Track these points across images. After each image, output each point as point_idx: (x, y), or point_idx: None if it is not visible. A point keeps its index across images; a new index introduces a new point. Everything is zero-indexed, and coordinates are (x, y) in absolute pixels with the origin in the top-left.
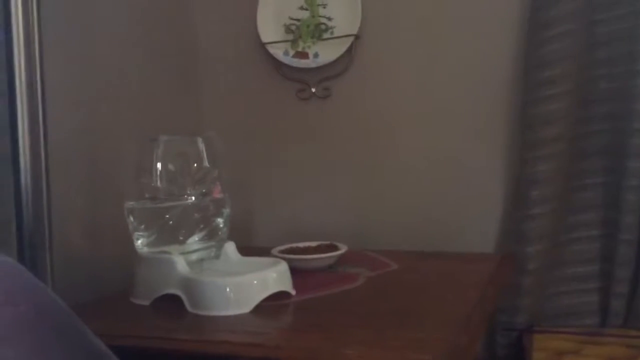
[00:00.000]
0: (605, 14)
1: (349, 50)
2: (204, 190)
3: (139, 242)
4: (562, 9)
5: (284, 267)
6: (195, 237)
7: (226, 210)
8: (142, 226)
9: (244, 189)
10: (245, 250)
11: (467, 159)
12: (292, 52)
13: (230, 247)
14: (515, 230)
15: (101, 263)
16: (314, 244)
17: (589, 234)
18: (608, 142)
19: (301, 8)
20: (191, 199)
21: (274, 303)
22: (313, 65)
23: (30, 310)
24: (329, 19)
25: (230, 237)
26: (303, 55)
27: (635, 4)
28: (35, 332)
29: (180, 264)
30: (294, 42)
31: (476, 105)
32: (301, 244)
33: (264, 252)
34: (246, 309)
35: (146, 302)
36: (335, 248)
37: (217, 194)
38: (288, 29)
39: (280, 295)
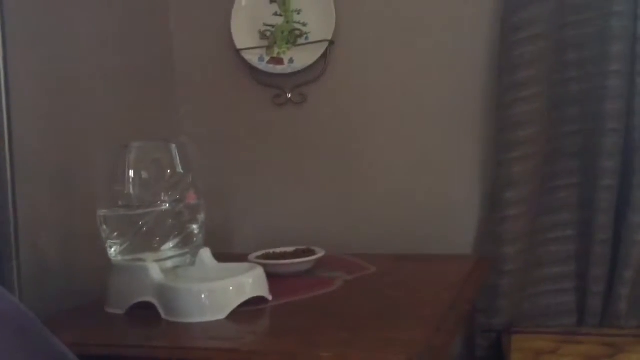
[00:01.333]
0: (575, 16)
1: (324, 55)
2: (177, 197)
3: (113, 250)
4: (533, 11)
5: (259, 272)
6: (170, 244)
7: (201, 217)
8: (115, 234)
9: (220, 196)
10: (222, 257)
11: (443, 162)
12: (267, 58)
13: (205, 254)
14: (491, 231)
15: (74, 272)
16: (290, 249)
17: (564, 234)
18: (581, 142)
19: (275, 14)
20: (165, 205)
21: (250, 308)
22: (288, 70)
23: None
24: (304, 24)
25: (207, 244)
26: (278, 61)
27: (604, 8)
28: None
29: (154, 271)
30: (269, 48)
31: (451, 108)
32: (278, 250)
33: (241, 258)
34: (222, 315)
35: (121, 311)
36: (312, 253)
37: (192, 199)
38: (263, 35)
39: (257, 301)
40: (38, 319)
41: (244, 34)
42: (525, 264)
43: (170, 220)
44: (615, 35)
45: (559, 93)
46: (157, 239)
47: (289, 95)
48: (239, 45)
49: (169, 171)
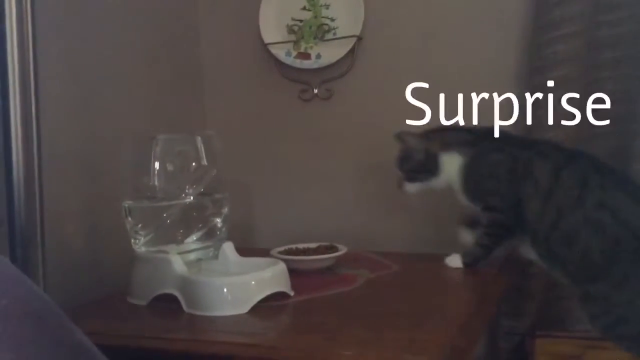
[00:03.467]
0: (609, 15)
1: (352, 51)
2: (202, 189)
3: (137, 241)
4: (566, 10)
5: (282, 267)
6: (194, 237)
7: (225, 210)
8: (140, 225)
9: (245, 190)
10: (245, 251)
11: None
12: (294, 53)
13: (228, 247)
14: None
15: (99, 263)
16: (313, 245)
17: None
18: (613, 144)
19: (304, 9)
20: (189, 197)
21: (272, 304)
22: (315, 66)
23: (10, 304)
24: (332, 19)
25: (231, 238)
26: (305, 56)
27: (636, 7)
28: (18, 325)
29: (177, 264)
30: (296, 43)
31: (480, 106)
32: (300, 245)
33: (263, 253)
34: (243, 309)
35: (143, 302)
36: (334, 249)
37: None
38: (290, 30)
39: (279, 296)
40: (56, 305)
41: (272, 28)
42: None
43: (195, 213)
44: None
45: (593, 93)
46: (181, 231)
47: (316, 91)
48: (266, 40)
49: (194, 164)
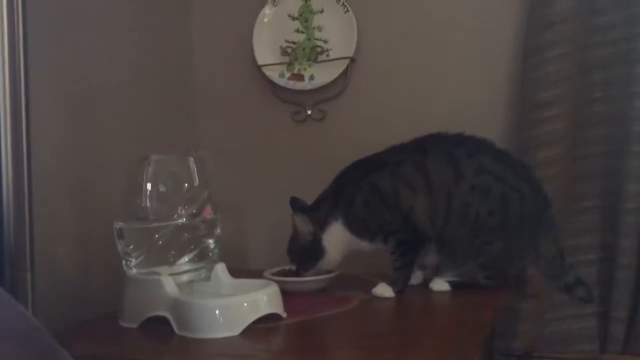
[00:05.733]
0: (600, 37)
1: (345, 72)
2: (194, 211)
3: (128, 263)
4: (557, 31)
5: (274, 289)
6: (185, 258)
7: (217, 231)
8: (131, 247)
9: (238, 211)
10: (238, 272)
11: None
12: (287, 75)
13: (221, 269)
14: None
15: (89, 284)
16: None
17: (586, 258)
18: (605, 164)
19: (297, 31)
20: (181, 219)
21: (264, 325)
22: (309, 87)
23: None
24: (325, 41)
25: (223, 260)
26: (299, 77)
27: (629, 29)
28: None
29: (169, 285)
30: (289, 65)
31: (474, 126)
32: (294, 266)
33: (256, 274)
34: (236, 331)
35: (134, 325)
36: (328, 271)
37: (208, 214)
38: (284, 52)
39: (272, 318)
40: (45, 328)
41: (265, 50)
42: (548, 287)
43: (187, 234)
44: None
45: (584, 114)
46: (173, 252)
47: (309, 112)
48: (260, 61)
49: (186, 185)
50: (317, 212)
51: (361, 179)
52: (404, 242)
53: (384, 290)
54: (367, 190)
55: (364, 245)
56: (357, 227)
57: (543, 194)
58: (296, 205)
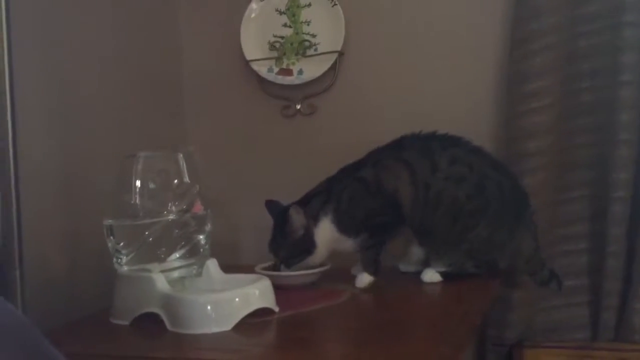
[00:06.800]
0: (587, 27)
1: (333, 66)
2: (184, 207)
3: (119, 260)
4: (544, 22)
5: (266, 283)
6: (176, 254)
7: (207, 227)
8: (122, 244)
9: (227, 206)
10: (230, 268)
11: None
12: (276, 69)
13: (212, 264)
14: None
15: (80, 282)
16: None
17: (577, 247)
18: (594, 154)
19: (285, 25)
20: (171, 215)
21: (256, 320)
22: (297, 82)
23: None
24: (313, 35)
25: (214, 256)
26: (287, 72)
27: (615, 18)
28: None
29: (160, 282)
30: (278, 60)
31: (462, 118)
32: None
33: (247, 269)
34: (227, 326)
35: (126, 322)
36: (320, 265)
37: (198, 210)
38: (272, 46)
39: (264, 312)
40: (36, 327)
41: (254, 45)
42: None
43: (177, 231)
44: (627, 45)
45: (571, 104)
46: (164, 249)
47: (298, 107)
48: (248, 56)
49: (175, 181)
50: (309, 207)
51: (347, 177)
52: (380, 224)
53: (362, 280)
54: (352, 185)
55: (349, 243)
56: (344, 224)
57: (522, 190)
58: (273, 207)
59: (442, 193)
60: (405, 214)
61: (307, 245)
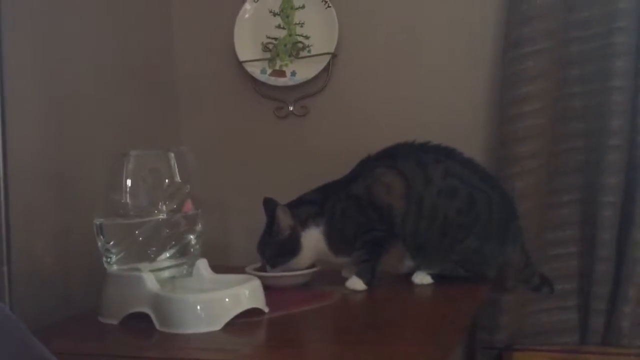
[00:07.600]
0: (579, 32)
1: (326, 68)
2: (175, 206)
3: (109, 259)
4: (536, 27)
5: (256, 284)
6: (167, 254)
7: (198, 227)
8: (112, 242)
9: (219, 207)
10: (220, 268)
11: None
12: (269, 71)
13: (202, 264)
14: None
15: (69, 281)
16: None
17: (567, 251)
18: (584, 159)
19: (278, 27)
20: (162, 214)
21: (246, 320)
22: (290, 83)
23: None
24: (306, 37)
25: (205, 256)
26: (280, 73)
27: (608, 24)
28: None
29: (150, 281)
30: (271, 61)
31: (454, 121)
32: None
33: (238, 270)
34: (217, 326)
35: (115, 321)
36: (310, 265)
37: (189, 209)
38: (265, 48)
39: (254, 313)
40: (24, 324)
41: (247, 46)
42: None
43: (167, 230)
44: (619, 51)
45: (562, 109)
46: (154, 248)
47: (291, 108)
48: (241, 58)
49: (166, 180)
50: (299, 210)
51: (341, 191)
52: (374, 240)
53: (355, 283)
54: (344, 200)
55: (333, 259)
56: (334, 240)
57: (511, 203)
58: (268, 206)
59: (435, 208)
60: (396, 229)
61: (292, 246)
